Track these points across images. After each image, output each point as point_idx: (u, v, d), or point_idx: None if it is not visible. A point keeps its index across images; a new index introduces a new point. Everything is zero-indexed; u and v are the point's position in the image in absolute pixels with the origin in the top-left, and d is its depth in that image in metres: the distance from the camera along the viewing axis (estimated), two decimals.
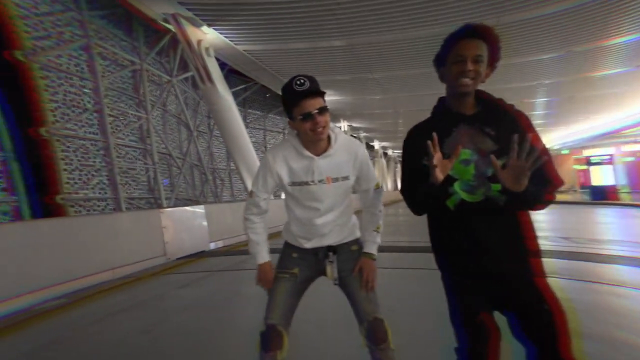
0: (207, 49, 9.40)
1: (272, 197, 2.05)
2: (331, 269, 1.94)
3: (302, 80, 1.70)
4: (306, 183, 1.85)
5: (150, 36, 12.12)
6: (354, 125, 21.01)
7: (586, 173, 24.90)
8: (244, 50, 10.37)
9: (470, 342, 1.45)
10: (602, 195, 19.77)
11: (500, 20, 8.23)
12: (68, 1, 9.66)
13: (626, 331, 2.78)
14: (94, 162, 10.31)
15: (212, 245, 8.49)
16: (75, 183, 9.69)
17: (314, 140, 1.79)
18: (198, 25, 8.99)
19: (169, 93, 13.59)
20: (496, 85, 11.95)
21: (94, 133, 10.36)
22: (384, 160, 36.85)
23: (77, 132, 9.83)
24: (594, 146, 28.98)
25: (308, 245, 1.95)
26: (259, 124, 19.88)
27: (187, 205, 10.18)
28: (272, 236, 2.10)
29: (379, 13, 8.12)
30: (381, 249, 2.05)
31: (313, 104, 1.71)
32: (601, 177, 21.83)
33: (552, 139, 28.29)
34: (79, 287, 5.30)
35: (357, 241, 2.03)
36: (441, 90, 1.58)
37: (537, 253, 1.44)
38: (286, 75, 12.31)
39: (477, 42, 1.40)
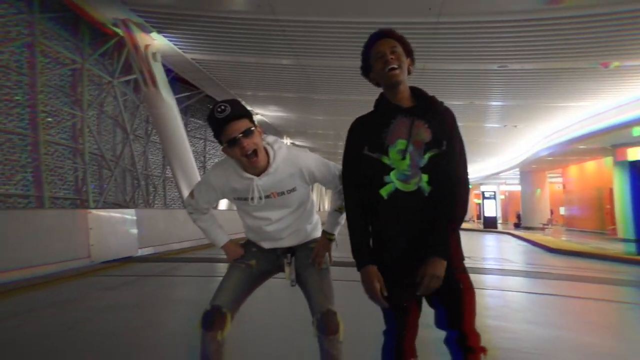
0: (154, 54, 8.91)
1: (213, 205, 1.92)
2: (289, 270, 1.83)
3: (222, 107, 1.58)
4: (251, 199, 1.73)
5: (96, 38, 11.37)
6: (297, 143, 20.70)
7: (481, 206, 27.21)
8: (192, 59, 9.81)
9: (398, 328, 1.45)
10: (490, 224, 23.01)
11: (426, 66, 8.86)
12: (22, 5, 9.27)
13: (494, 319, 3.67)
14: (20, 157, 9.19)
15: (141, 252, 7.66)
16: None
17: (250, 165, 1.67)
18: (148, 31, 8.46)
19: (107, 94, 12.61)
20: None
21: (24, 128, 9.28)
22: None
23: (5, 126, 8.79)
24: (487, 184, 32.25)
25: (266, 245, 1.87)
26: (200, 133, 18.72)
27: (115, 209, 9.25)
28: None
29: (328, 38, 8.06)
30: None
31: (237, 128, 1.58)
32: (490, 209, 24.02)
33: None
34: None
35: (317, 240, 1.91)
36: None
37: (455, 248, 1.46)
38: (232, 87, 11.90)
39: (388, 39, 1.49)
